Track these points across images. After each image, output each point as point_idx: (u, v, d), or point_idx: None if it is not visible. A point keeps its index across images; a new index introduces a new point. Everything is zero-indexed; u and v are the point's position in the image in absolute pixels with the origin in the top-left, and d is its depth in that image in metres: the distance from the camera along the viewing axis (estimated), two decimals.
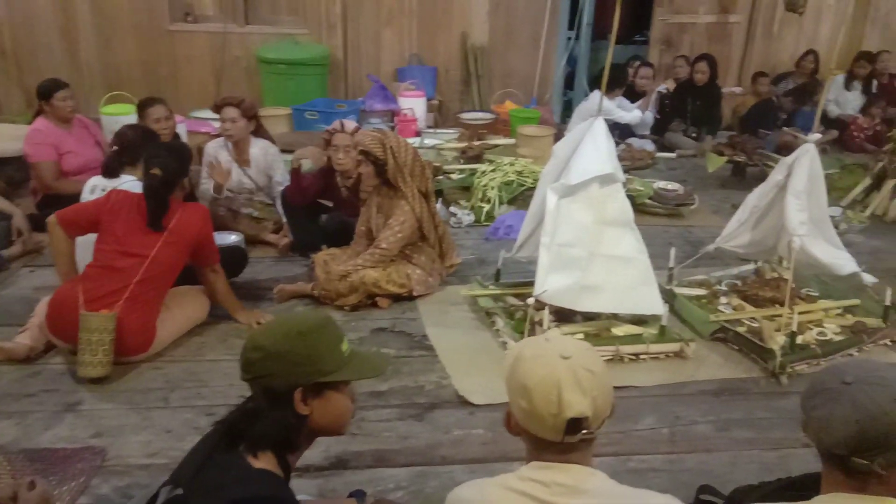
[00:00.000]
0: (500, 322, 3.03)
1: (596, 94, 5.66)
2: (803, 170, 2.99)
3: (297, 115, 5.95)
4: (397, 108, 6.11)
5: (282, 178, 4.02)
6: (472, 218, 4.39)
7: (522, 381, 1.29)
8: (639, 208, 4.55)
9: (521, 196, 4.50)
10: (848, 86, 6.94)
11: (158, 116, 3.92)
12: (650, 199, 4.69)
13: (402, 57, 6.85)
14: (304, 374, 1.38)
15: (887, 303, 3.10)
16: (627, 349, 2.87)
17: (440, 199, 4.36)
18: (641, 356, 2.88)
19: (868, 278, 3.14)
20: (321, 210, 3.86)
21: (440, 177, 4.67)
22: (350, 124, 3.67)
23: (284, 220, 3.92)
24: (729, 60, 7.30)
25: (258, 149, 4.05)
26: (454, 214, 4.40)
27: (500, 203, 4.46)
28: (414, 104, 6.13)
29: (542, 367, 1.29)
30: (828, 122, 6.73)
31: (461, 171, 4.87)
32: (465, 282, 3.52)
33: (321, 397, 1.41)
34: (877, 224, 4.62)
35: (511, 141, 5.44)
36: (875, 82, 6.94)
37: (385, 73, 6.75)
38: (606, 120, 5.73)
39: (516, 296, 3.23)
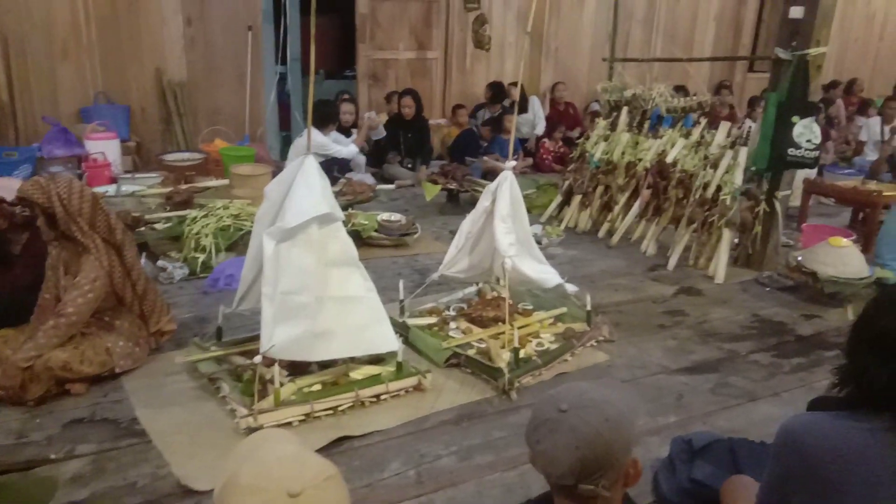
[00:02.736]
0: (226, 387, 2.71)
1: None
2: (505, 195, 3.19)
3: None
4: (84, 153, 5.35)
5: None
6: (185, 271, 3.96)
7: None
8: (365, 241, 4.55)
9: (240, 241, 4.18)
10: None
11: None
12: (375, 231, 4.71)
13: (86, 95, 6.06)
14: None
15: (588, 307, 3.45)
16: (367, 392, 2.75)
17: (144, 254, 3.86)
18: (382, 397, 2.79)
19: (570, 287, 3.46)
20: None
21: (142, 228, 4.14)
22: None
23: None
24: (432, 94, 7.79)
25: None
26: (163, 269, 3.92)
27: (218, 251, 4.09)
28: (105, 147, 5.42)
29: None
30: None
31: (167, 219, 4.38)
32: (181, 346, 3.11)
33: None
34: (571, 235, 5.21)
35: (224, 182, 5.07)
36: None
37: (66, 115, 5.91)
38: (322, 155, 5.74)
39: (243, 354, 2.93)
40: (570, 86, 8.31)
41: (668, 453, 2.33)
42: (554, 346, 3.24)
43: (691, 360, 3.31)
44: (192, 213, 4.34)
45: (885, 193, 5.24)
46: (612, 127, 5.43)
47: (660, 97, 5.25)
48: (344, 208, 4.60)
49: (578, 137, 6.41)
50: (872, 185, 5.55)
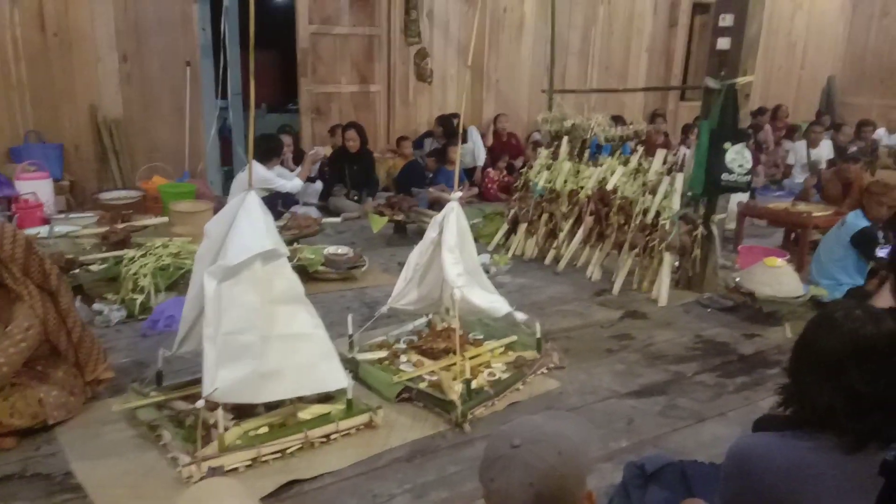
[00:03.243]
0: (167, 434, 2.59)
1: (252, 165, 5.49)
2: (452, 226, 3.20)
3: None
4: (15, 194, 5.14)
5: None
6: (122, 313, 3.81)
7: None
8: (312, 276, 4.48)
9: (181, 280, 4.05)
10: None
11: None
12: (322, 265, 4.64)
13: (16, 135, 5.84)
14: None
15: (538, 335, 3.46)
16: (316, 433, 2.68)
17: (79, 297, 3.70)
18: (332, 436, 2.72)
19: (520, 315, 3.46)
20: None
21: (76, 270, 3.98)
22: None
23: None
24: (376, 126, 7.81)
25: None
26: (100, 312, 3.77)
27: (157, 291, 3.95)
28: (37, 187, 5.22)
29: None
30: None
31: (103, 260, 4.22)
32: (119, 393, 2.97)
33: None
34: (518, 263, 5.24)
35: (164, 219, 4.93)
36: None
37: None
38: (266, 190, 5.66)
39: (185, 399, 2.82)
40: (511, 117, 8.46)
41: (622, 479, 2.33)
42: (506, 376, 3.23)
43: (640, 384, 3.35)
44: (129, 252, 4.19)
45: (814, 214, 5.49)
46: (554, 156, 5.54)
47: (598, 126, 5.40)
48: (289, 243, 4.54)
49: (522, 167, 6.50)
50: (802, 207, 5.82)
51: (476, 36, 4.04)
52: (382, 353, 3.39)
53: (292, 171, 6.37)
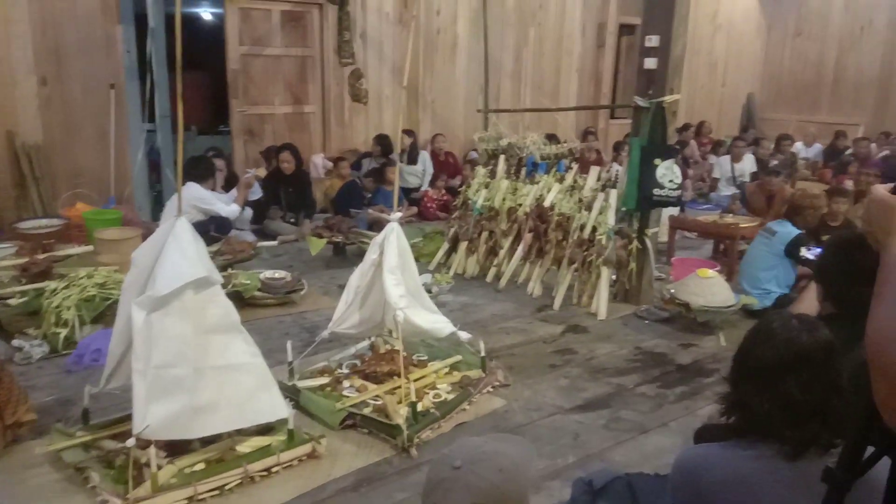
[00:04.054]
0: (96, 476, 2.44)
1: (190, 186, 5.32)
2: (392, 247, 3.16)
3: None
4: None
5: None
6: (45, 349, 3.59)
7: None
8: (248, 302, 4.36)
9: (108, 312, 3.86)
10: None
11: None
12: (259, 290, 4.52)
13: None
14: None
15: (482, 354, 3.45)
16: (257, 466, 2.57)
17: None
18: (273, 469, 2.62)
19: (463, 335, 3.45)
20: None
21: None
22: None
23: None
24: (311, 147, 7.71)
25: None
26: (20, 349, 3.54)
27: (82, 324, 3.75)
28: None
29: None
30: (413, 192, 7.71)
31: (23, 293, 3.98)
32: (42, 434, 2.78)
33: None
34: (460, 282, 5.23)
35: (88, 248, 4.71)
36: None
37: None
38: (203, 212, 5.48)
39: (114, 437, 2.67)
40: (448, 136, 8.51)
41: (570, 496, 2.33)
42: (451, 396, 3.20)
43: (583, 398, 3.37)
44: (51, 284, 3.97)
45: (741, 225, 5.72)
46: (492, 174, 5.58)
47: (533, 145, 5.47)
48: (223, 269, 4.40)
49: (460, 185, 6.53)
50: (729, 219, 6.05)
51: (410, 57, 4.04)
52: (324, 380, 3.31)
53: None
